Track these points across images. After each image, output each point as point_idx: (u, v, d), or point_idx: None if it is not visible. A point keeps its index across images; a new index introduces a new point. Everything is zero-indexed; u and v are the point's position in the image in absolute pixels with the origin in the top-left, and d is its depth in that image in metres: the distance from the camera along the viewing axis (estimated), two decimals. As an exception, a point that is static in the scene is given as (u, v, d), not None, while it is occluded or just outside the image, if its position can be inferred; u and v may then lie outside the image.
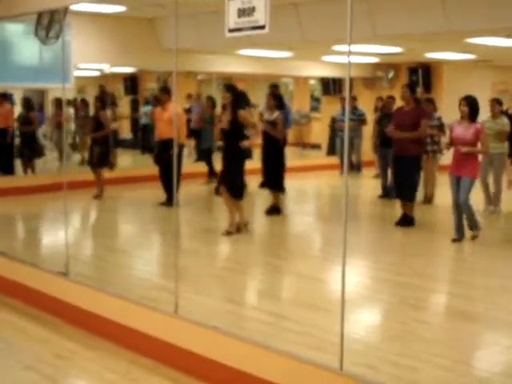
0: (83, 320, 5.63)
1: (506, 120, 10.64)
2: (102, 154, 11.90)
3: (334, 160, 15.88)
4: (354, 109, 15.10)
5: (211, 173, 13.51)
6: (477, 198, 10.19)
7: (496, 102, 10.53)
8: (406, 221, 9.46)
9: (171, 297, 5.09)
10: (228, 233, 8.76)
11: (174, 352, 4.81)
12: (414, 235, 9.22)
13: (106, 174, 12.28)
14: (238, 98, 8.71)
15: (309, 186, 14.95)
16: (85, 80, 17.46)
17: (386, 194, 12.06)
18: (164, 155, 10.54)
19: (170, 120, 10.46)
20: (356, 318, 5.66)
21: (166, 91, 11.03)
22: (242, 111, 8.66)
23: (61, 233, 6.95)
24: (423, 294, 6.65)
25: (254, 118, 11.86)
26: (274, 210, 10.25)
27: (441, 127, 11.31)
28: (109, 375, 4.78)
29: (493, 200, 10.64)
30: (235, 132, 8.63)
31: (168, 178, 10.68)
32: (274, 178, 10.16)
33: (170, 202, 10.51)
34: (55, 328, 5.71)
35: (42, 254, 8.12)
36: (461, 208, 8.38)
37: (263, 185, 10.35)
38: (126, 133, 19.07)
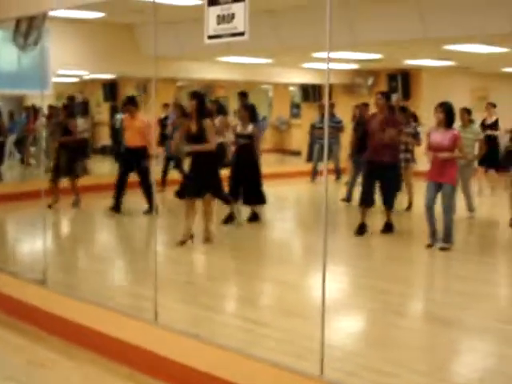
0: (62, 328, 5.58)
1: (476, 128, 10.69)
2: (68, 162, 11.64)
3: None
4: (332, 116, 15.14)
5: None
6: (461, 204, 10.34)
7: (465, 112, 10.54)
8: (386, 227, 9.48)
9: (151, 305, 5.07)
10: (181, 242, 8.54)
11: (154, 360, 4.78)
12: (392, 241, 9.24)
13: (85, 181, 12.19)
14: (202, 106, 8.61)
15: (288, 192, 14.95)
16: (64, 86, 17.38)
17: (349, 198, 12.09)
18: (132, 164, 10.60)
19: (139, 129, 10.54)
20: (336, 324, 5.65)
21: (132, 104, 10.98)
22: (207, 121, 8.52)
23: (39, 240, 6.89)
24: (402, 300, 6.67)
25: (229, 126, 11.78)
26: (255, 217, 10.24)
27: (415, 135, 11.34)
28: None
29: (468, 206, 10.71)
30: (203, 140, 8.46)
31: (147, 185, 10.68)
32: (255, 192, 10.09)
33: (150, 209, 10.51)
34: (34, 337, 5.65)
35: (20, 263, 8.04)
36: (432, 212, 8.40)
37: (232, 194, 10.28)
38: (105, 139, 18.98)
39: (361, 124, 11.99)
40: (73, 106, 14.67)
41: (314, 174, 15.37)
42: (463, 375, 4.79)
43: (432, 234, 8.49)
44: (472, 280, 7.33)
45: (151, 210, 10.53)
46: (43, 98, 7.23)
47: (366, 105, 12.93)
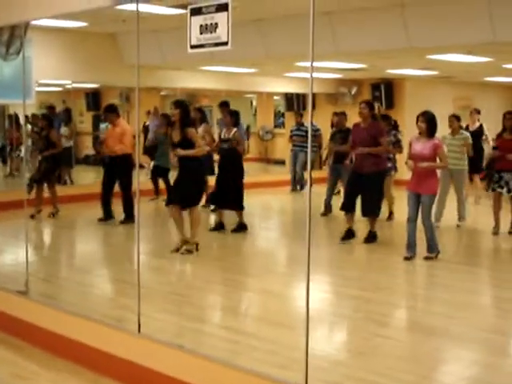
0: (44, 340, 5.53)
1: (466, 134, 10.77)
2: (47, 170, 11.54)
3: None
4: (301, 125, 15.22)
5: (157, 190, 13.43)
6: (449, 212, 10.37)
7: (454, 119, 10.63)
8: (370, 236, 9.49)
9: (134, 316, 5.03)
10: (177, 250, 8.66)
11: (138, 372, 4.74)
12: (375, 251, 9.24)
13: (67, 191, 12.11)
14: (186, 115, 8.60)
15: (272, 201, 14.95)
16: (47, 95, 17.29)
17: (329, 210, 12.03)
18: (115, 171, 10.59)
19: (119, 136, 10.53)
20: (321, 334, 5.64)
21: (111, 111, 10.98)
22: (190, 129, 8.52)
23: (20, 251, 6.83)
24: (387, 310, 6.67)
25: (213, 135, 11.79)
26: (241, 227, 10.21)
27: (396, 143, 11.36)
28: (70, 396, 4.70)
29: (459, 214, 10.77)
30: (187, 149, 8.47)
31: (126, 193, 10.65)
32: (233, 198, 10.07)
33: (129, 218, 10.47)
34: (15, 348, 5.59)
35: (1, 274, 7.96)
36: (415, 224, 8.41)
37: (213, 202, 10.32)
38: (88, 149, 18.89)
39: (338, 133, 12.03)
40: (53, 115, 14.60)
41: (294, 183, 15.48)
42: (448, 384, 4.79)
43: (409, 246, 8.47)
44: (456, 289, 7.34)
45: (129, 218, 10.53)
46: (25, 108, 7.15)
47: (343, 113, 12.81)
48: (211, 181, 11.26)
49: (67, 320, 5.45)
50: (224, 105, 11.78)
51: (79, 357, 5.19)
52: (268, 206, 14.49)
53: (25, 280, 6.08)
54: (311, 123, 4.62)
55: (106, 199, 10.88)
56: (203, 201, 10.18)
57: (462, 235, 10.75)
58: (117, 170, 10.70)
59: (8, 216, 10.41)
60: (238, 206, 10.14)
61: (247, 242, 10.07)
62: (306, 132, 15.02)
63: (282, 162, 19.52)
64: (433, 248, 8.44)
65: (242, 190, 10.17)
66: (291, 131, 15.62)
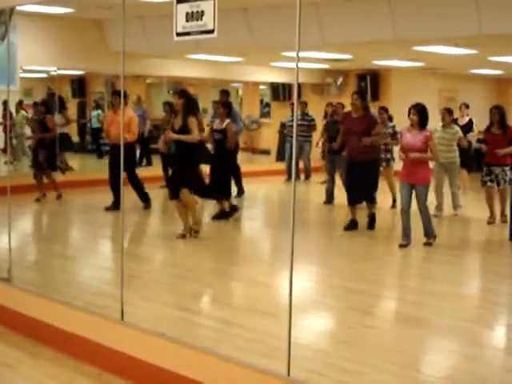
0: (27, 327, 5.52)
1: (456, 128, 10.80)
2: (48, 157, 11.73)
3: (283, 166, 15.93)
4: (305, 114, 15.15)
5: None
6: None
7: (447, 112, 10.65)
8: (370, 222, 9.65)
9: (118, 303, 5.02)
10: (182, 236, 8.77)
11: (120, 359, 4.73)
12: (362, 240, 9.27)
13: (60, 177, 12.12)
14: (190, 104, 8.66)
15: (258, 191, 14.93)
16: (31, 82, 17.16)
17: (330, 200, 12.13)
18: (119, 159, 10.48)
19: (124, 124, 10.39)
20: (304, 323, 5.65)
21: (119, 94, 10.91)
22: (192, 118, 8.59)
23: (4, 238, 6.80)
24: (371, 300, 6.69)
25: (203, 125, 11.82)
26: (223, 215, 10.22)
27: (394, 135, 11.42)
28: (52, 383, 4.68)
29: (454, 204, 10.92)
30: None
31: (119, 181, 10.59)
32: (222, 186, 10.11)
33: (117, 206, 10.41)
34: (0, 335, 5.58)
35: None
36: (408, 214, 8.48)
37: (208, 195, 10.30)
38: (74, 136, 18.79)
39: (335, 123, 12.05)
40: (52, 101, 14.57)
41: (290, 172, 15.40)
42: (431, 374, 4.81)
43: (405, 234, 8.58)
44: (442, 280, 7.38)
45: (146, 203, 10.77)
46: (9, 94, 7.09)
47: (340, 104, 12.89)
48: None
49: (50, 307, 5.43)
50: (224, 93, 11.79)
51: (62, 344, 5.18)
52: (259, 195, 14.48)
53: (8, 267, 6.04)
54: (307, 114, 4.62)
55: (115, 187, 10.75)
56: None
57: (451, 226, 10.80)
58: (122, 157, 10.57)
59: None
60: (225, 195, 10.17)
61: (233, 231, 10.08)
62: (310, 121, 15.03)
63: (268, 152, 19.52)
64: (430, 233, 8.60)
65: (229, 181, 10.23)
66: (288, 121, 15.56)
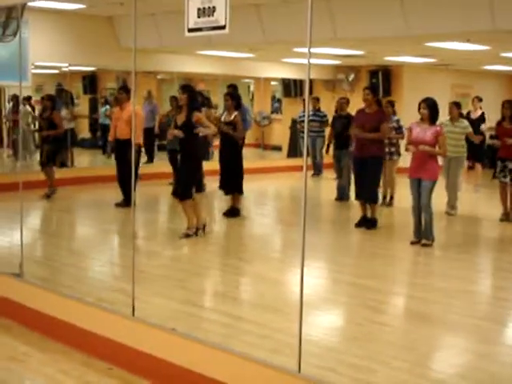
0: (38, 322, 5.53)
1: (465, 122, 10.74)
2: (51, 152, 11.68)
3: (295, 162, 15.91)
4: (317, 110, 15.12)
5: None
6: (439, 201, 10.35)
7: (454, 106, 10.59)
8: (370, 222, 9.52)
9: (128, 299, 5.03)
10: (186, 235, 8.65)
11: (131, 354, 4.74)
12: (372, 237, 9.25)
13: (64, 173, 12.10)
14: (193, 99, 8.61)
15: (269, 187, 14.94)
16: (43, 78, 17.24)
17: (341, 196, 12.11)
18: (123, 155, 10.47)
19: (128, 120, 10.38)
20: (315, 320, 5.65)
21: (125, 90, 10.92)
22: (197, 113, 8.55)
23: (15, 233, 6.82)
24: (382, 296, 6.67)
25: (213, 120, 11.80)
26: (233, 212, 10.20)
27: (398, 129, 11.39)
28: (63, 378, 4.70)
29: (450, 203, 10.75)
30: (189, 133, 8.48)
31: (125, 178, 10.61)
32: (233, 181, 10.09)
33: (127, 202, 10.43)
34: (9, 330, 5.59)
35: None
36: (420, 211, 8.44)
37: (222, 187, 10.26)
38: (84, 132, 18.86)
39: (339, 118, 12.03)
40: (60, 96, 14.62)
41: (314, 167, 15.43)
42: (442, 371, 4.79)
43: (417, 231, 8.53)
44: (452, 277, 7.35)
45: (126, 202, 10.50)
46: (21, 90, 7.12)
47: (344, 99, 12.79)
48: (208, 166, 11.25)
49: (61, 302, 5.45)
50: (229, 88, 11.77)
51: (73, 339, 5.19)
52: (269, 191, 14.49)
53: (19, 262, 6.07)
54: (319, 109, 4.61)
55: (122, 183, 10.76)
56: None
57: (459, 223, 10.75)
58: (126, 152, 10.61)
59: (6, 197, 10.39)
60: (237, 190, 10.15)
61: (243, 227, 10.07)
62: (322, 117, 15.00)
63: (279, 148, 19.50)
64: (429, 234, 8.48)
65: (240, 174, 10.17)
66: (300, 117, 15.52)
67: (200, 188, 10.81)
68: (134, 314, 4.96)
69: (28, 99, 15.81)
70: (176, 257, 8.36)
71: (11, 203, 7.55)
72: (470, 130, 10.67)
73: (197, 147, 8.67)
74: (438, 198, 9.87)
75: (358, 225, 9.54)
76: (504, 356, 5.18)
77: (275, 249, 9.09)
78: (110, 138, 11.09)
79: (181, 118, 8.59)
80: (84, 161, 16.36)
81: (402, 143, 11.58)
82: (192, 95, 8.59)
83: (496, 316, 6.15)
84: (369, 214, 9.57)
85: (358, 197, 9.72)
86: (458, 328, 5.74)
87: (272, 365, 4.05)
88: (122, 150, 10.54)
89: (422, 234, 8.49)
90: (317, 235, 8.97)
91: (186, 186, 8.62)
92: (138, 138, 10.47)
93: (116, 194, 10.79)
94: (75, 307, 5.33)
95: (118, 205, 10.69)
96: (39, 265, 7.29)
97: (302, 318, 3.99)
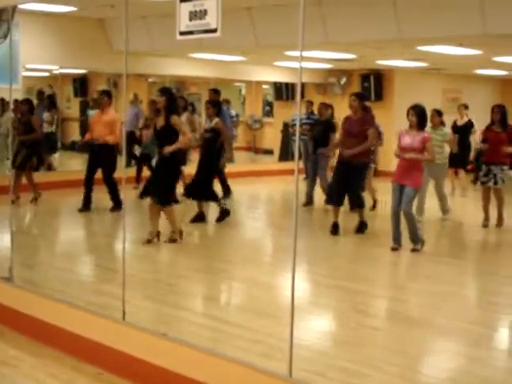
0: (28, 327, 5.50)
1: (444, 130, 10.71)
2: (27, 156, 11.37)
3: (286, 165, 15.90)
4: (311, 113, 15.10)
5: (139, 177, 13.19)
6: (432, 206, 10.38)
7: (436, 114, 10.54)
8: (360, 226, 9.52)
9: (119, 303, 5.00)
10: (148, 241, 8.44)
11: (121, 359, 4.72)
12: (360, 241, 9.25)
13: (48, 177, 11.99)
14: (172, 102, 8.48)
15: (260, 191, 14.94)
16: (34, 80, 17.16)
17: (311, 201, 12.03)
18: (100, 159, 10.51)
19: (107, 123, 10.41)
20: (305, 324, 5.63)
21: (107, 94, 10.92)
22: (174, 116, 8.39)
23: (5, 237, 6.79)
24: (372, 301, 6.68)
25: (196, 124, 11.74)
26: (200, 218, 9.99)
27: (378, 135, 11.34)
28: (53, 382, 4.67)
29: (443, 209, 10.73)
30: (168, 137, 8.36)
31: (109, 181, 10.61)
32: (205, 187, 9.94)
33: (117, 206, 10.42)
34: (0, 335, 5.57)
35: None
36: (399, 217, 8.41)
37: (188, 193, 10.05)
38: (75, 135, 18.79)
39: (318, 124, 12.03)
40: (42, 100, 14.54)
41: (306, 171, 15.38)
42: (433, 376, 4.79)
43: (395, 237, 8.51)
44: (441, 281, 7.35)
45: (117, 207, 10.49)
46: (11, 93, 7.08)
47: (324, 104, 12.70)
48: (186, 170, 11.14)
49: (51, 306, 5.42)
50: (213, 92, 11.68)
51: (63, 343, 5.16)
52: (259, 194, 14.48)
53: (9, 266, 6.03)
54: (312, 113, 4.61)
55: (88, 186, 10.75)
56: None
57: (448, 228, 10.76)
58: (102, 157, 10.61)
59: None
60: (212, 197, 10.07)
61: (233, 231, 10.05)
62: (316, 121, 14.96)
63: (271, 152, 19.49)
64: (416, 240, 8.44)
65: (211, 181, 10.07)
66: (293, 120, 15.46)
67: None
68: (124, 318, 4.94)
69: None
70: (166, 261, 8.34)
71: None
72: (450, 137, 10.68)
73: (176, 152, 8.50)
74: (428, 203, 9.95)
75: (333, 232, 9.39)
76: (495, 360, 5.19)
77: (266, 253, 9.08)
78: (86, 138, 11.01)
79: (160, 122, 8.46)
80: (74, 164, 16.27)
81: (381, 150, 11.63)
82: (170, 98, 8.45)
83: (487, 320, 6.15)
84: (338, 220, 9.48)
85: (330, 202, 9.64)
86: (448, 332, 5.74)
87: (263, 369, 4.03)
88: (99, 154, 10.56)
89: (410, 240, 8.46)
90: (303, 239, 8.91)
91: (167, 191, 8.50)
92: (115, 139, 10.48)
93: (105, 197, 10.74)
94: (65, 311, 5.30)
95: (80, 210, 10.64)
96: (29, 268, 7.25)
97: (293, 323, 3.98)
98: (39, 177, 11.85)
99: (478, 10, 8.63)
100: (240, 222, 10.61)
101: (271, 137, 19.86)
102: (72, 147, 17.65)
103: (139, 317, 5.18)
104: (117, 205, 10.54)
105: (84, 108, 18.91)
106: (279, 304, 6.01)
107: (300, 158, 15.02)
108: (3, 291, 5.90)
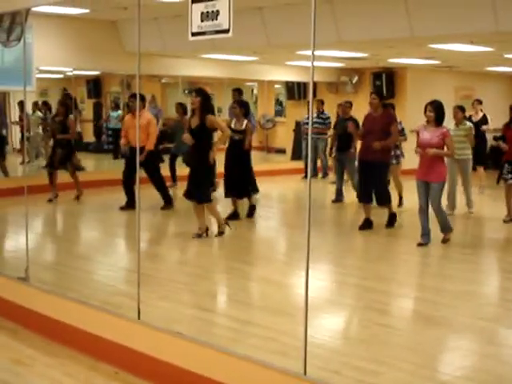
0: (43, 326, 5.55)
1: (469, 124, 10.76)
2: (64, 155, 11.79)
3: (299, 164, 15.92)
4: (321, 113, 15.11)
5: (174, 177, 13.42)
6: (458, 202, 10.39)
7: (459, 109, 10.60)
8: (390, 218, 9.67)
9: (134, 302, 5.04)
10: (198, 235, 8.73)
11: (137, 358, 4.75)
12: (378, 239, 9.25)
13: (70, 177, 12.12)
14: (207, 102, 8.65)
15: (273, 190, 14.92)
16: (47, 82, 17.25)
17: (339, 198, 12.13)
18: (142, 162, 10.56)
19: (142, 127, 10.37)
20: (320, 322, 5.64)
21: (141, 99, 10.93)
22: (210, 116, 8.60)
23: (21, 238, 6.84)
24: (387, 299, 6.67)
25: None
26: (234, 216, 10.15)
27: (401, 132, 11.39)
28: (69, 381, 4.71)
29: (467, 203, 10.86)
30: (203, 137, 8.55)
31: (159, 183, 10.75)
32: (242, 186, 10.11)
33: (130, 204, 10.45)
34: (15, 334, 5.61)
35: (2, 260, 7.98)
36: (427, 213, 8.46)
37: (228, 193, 10.24)
38: (89, 136, 18.85)
39: (342, 121, 12.05)
40: (69, 101, 14.68)
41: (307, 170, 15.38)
42: (448, 373, 4.79)
43: (424, 234, 8.55)
44: (458, 279, 7.34)
45: (168, 203, 10.82)
46: (26, 95, 7.14)
47: (348, 102, 12.80)
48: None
49: (66, 306, 5.46)
50: (236, 92, 11.73)
51: (79, 343, 5.20)
52: (275, 194, 14.46)
53: (25, 266, 6.08)
54: (322, 111, 4.61)
55: (128, 187, 10.77)
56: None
57: (467, 225, 10.74)
58: (143, 161, 10.56)
59: (13, 202, 10.40)
60: (246, 193, 10.23)
61: (252, 230, 10.10)
62: (325, 119, 15.01)
63: (283, 151, 19.50)
64: (447, 229, 8.61)
65: (249, 179, 10.28)
66: (305, 120, 15.50)
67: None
68: (139, 318, 4.97)
69: (36, 104, 15.82)
70: (182, 260, 8.37)
71: (17, 207, 7.57)
72: (473, 132, 10.72)
73: (208, 150, 8.67)
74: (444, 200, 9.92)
75: (362, 227, 9.55)
76: (510, 357, 5.17)
77: (281, 251, 9.09)
78: (123, 144, 10.98)
79: (194, 122, 8.63)
80: (90, 165, 16.34)
81: (405, 146, 11.69)
82: (205, 98, 8.64)
83: (502, 318, 6.13)
84: (371, 216, 9.61)
85: (361, 199, 9.74)
86: (464, 330, 5.73)
87: (278, 367, 4.05)
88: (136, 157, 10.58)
89: (441, 231, 8.59)
90: (321, 237, 8.94)
91: (205, 188, 8.74)
92: (151, 145, 10.52)
93: (121, 197, 10.78)
94: (81, 311, 5.34)
95: (122, 208, 10.73)
96: (45, 269, 7.30)
97: (307, 321, 3.99)
98: (65, 177, 12.05)
99: (489, 7, 8.61)
100: (257, 222, 10.61)
101: (283, 136, 19.87)
102: (86, 148, 17.73)
103: (154, 316, 5.20)
104: (168, 202, 10.73)
105: (98, 109, 18.97)
106: (294, 302, 6.01)
107: (306, 156, 15.13)
108: (19, 291, 5.96)
